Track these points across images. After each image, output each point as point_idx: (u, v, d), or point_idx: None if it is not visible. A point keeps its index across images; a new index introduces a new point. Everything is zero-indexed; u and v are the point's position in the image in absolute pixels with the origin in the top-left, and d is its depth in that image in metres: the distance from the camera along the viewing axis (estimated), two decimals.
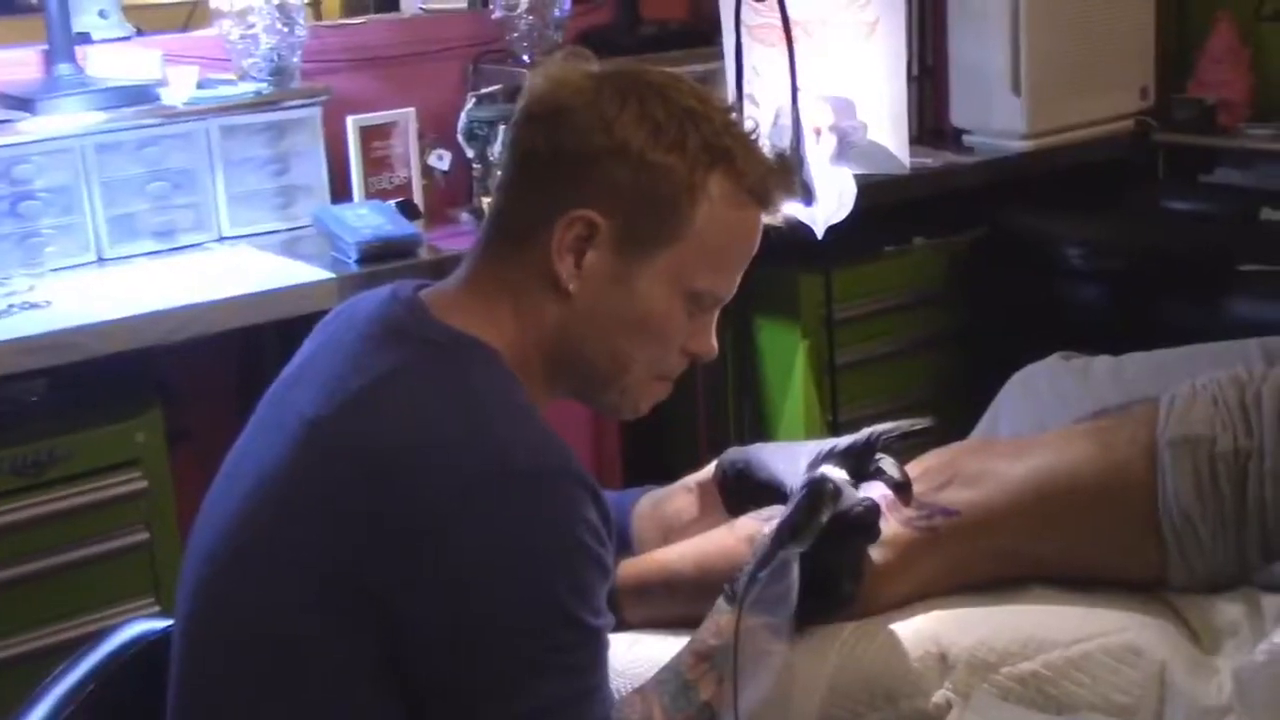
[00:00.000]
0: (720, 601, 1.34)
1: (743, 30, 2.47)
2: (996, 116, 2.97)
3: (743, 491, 1.53)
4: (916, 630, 1.46)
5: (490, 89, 2.72)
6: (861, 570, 1.44)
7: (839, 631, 1.48)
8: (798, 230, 2.42)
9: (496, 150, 2.70)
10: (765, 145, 1.29)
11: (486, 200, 2.63)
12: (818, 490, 1.35)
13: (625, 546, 1.56)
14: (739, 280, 1.30)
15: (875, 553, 1.48)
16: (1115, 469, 1.51)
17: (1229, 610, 1.46)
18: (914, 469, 1.56)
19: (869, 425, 1.50)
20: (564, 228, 1.21)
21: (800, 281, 2.66)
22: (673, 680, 1.29)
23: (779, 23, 2.30)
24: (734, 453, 1.56)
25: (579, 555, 1.13)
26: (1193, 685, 1.38)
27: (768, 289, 2.67)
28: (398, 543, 1.09)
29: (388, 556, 1.09)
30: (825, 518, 1.34)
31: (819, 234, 2.41)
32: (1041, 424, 1.74)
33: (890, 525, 1.51)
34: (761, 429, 2.72)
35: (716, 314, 1.31)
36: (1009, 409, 1.89)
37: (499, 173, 1.31)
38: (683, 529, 1.56)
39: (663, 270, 1.24)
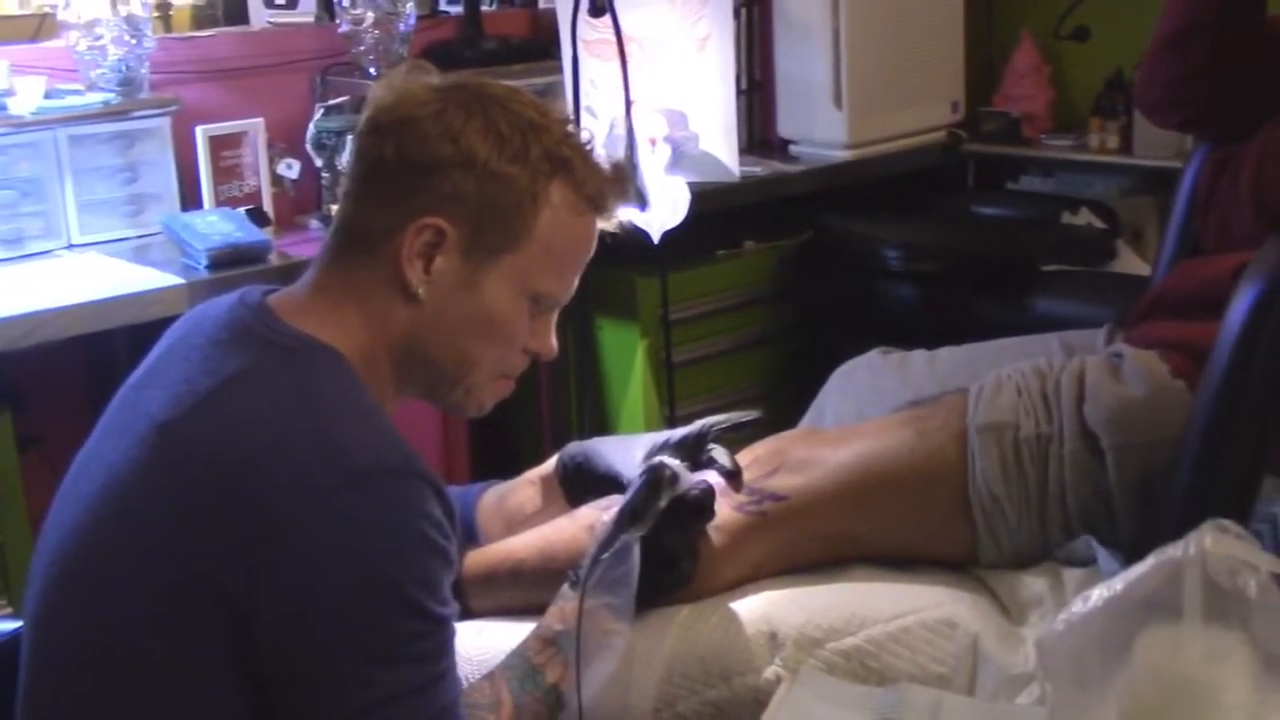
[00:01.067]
0: (564, 588, 1.35)
1: (580, 45, 2.47)
2: (820, 128, 2.99)
3: (583, 483, 1.54)
4: (748, 610, 1.47)
5: (337, 100, 2.67)
6: (698, 551, 1.45)
7: (676, 613, 1.48)
8: (635, 235, 2.44)
9: (344, 159, 2.66)
10: (601, 155, 1.30)
11: (335, 208, 2.59)
12: (656, 476, 1.38)
13: (471, 539, 1.56)
14: (577, 282, 1.31)
15: (709, 537, 1.49)
16: (929, 454, 1.54)
17: (1034, 584, 1.50)
18: (744, 457, 1.58)
19: (703, 418, 1.52)
20: (414, 234, 1.21)
21: (638, 284, 2.65)
22: (520, 665, 1.30)
23: (614, 39, 2.30)
24: (574, 447, 1.56)
25: (423, 548, 1.13)
26: (1002, 654, 1.41)
27: (607, 291, 2.67)
28: (246, 544, 1.08)
29: (236, 558, 1.07)
30: (664, 502, 1.36)
31: (655, 239, 2.42)
32: (862, 414, 1.76)
33: (722, 511, 1.52)
34: (602, 424, 2.72)
35: (556, 314, 1.32)
36: (832, 401, 1.90)
37: (346, 180, 1.30)
38: (526, 520, 1.56)
39: (507, 274, 1.24)
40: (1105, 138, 3.14)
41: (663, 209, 2.41)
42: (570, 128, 1.28)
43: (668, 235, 2.43)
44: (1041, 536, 1.52)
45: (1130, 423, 1.50)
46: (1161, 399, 1.51)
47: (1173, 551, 0.90)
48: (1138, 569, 0.92)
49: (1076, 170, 3.24)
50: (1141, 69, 1.89)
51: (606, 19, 2.33)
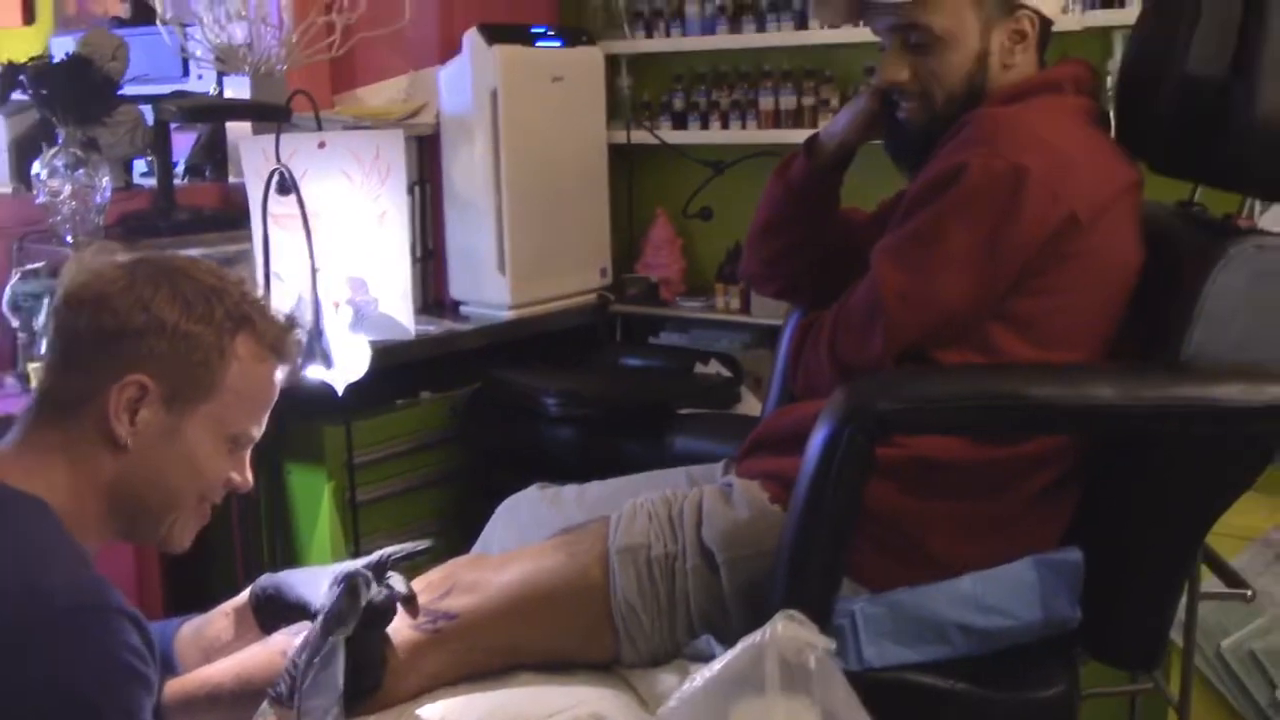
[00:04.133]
0: (264, 705, 1.40)
1: (270, 219, 2.54)
2: (486, 290, 3.08)
3: (274, 612, 1.59)
4: (427, 716, 1.54)
5: (34, 265, 2.63)
6: (386, 659, 1.53)
7: None
8: (322, 389, 2.50)
9: (40, 321, 2.63)
10: (275, 309, 1.41)
11: (32, 365, 2.55)
12: (353, 582, 1.45)
13: (170, 669, 1.58)
14: (267, 420, 1.40)
15: (394, 651, 1.56)
16: (578, 573, 1.64)
17: (667, 679, 1.59)
18: (419, 582, 1.65)
19: (382, 549, 1.61)
20: (118, 392, 1.28)
21: (325, 432, 2.69)
22: None
23: (300, 214, 2.38)
24: (265, 579, 1.61)
25: (125, 677, 1.17)
26: None
27: (297, 439, 2.70)
28: None
29: None
30: (364, 602, 1.44)
31: (339, 391, 2.48)
32: (524, 541, 1.83)
33: (402, 630, 1.60)
34: (292, 559, 2.72)
35: (250, 449, 1.40)
36: (498, 531, 1.97)
37: (46, 352, 1.35)
38: (222, 649, 1.60)
39: (205, 420, 1.33)
40: (728, 300, 3.29)
41: (346, 364, 2.48)
42: (246, 288, 1.38)
43: (351, 387, 2.49)
44: (671, 638, 1.63)
45: (737, 540, 1.63)
46: (762, 520, 1.65)
47: (754, 637, 1.06)
48: (730, 653, 1.08)
49: (706, 327, 3.35)
50: (744, 250, 2.08)
51: (292, 197, 2.41)
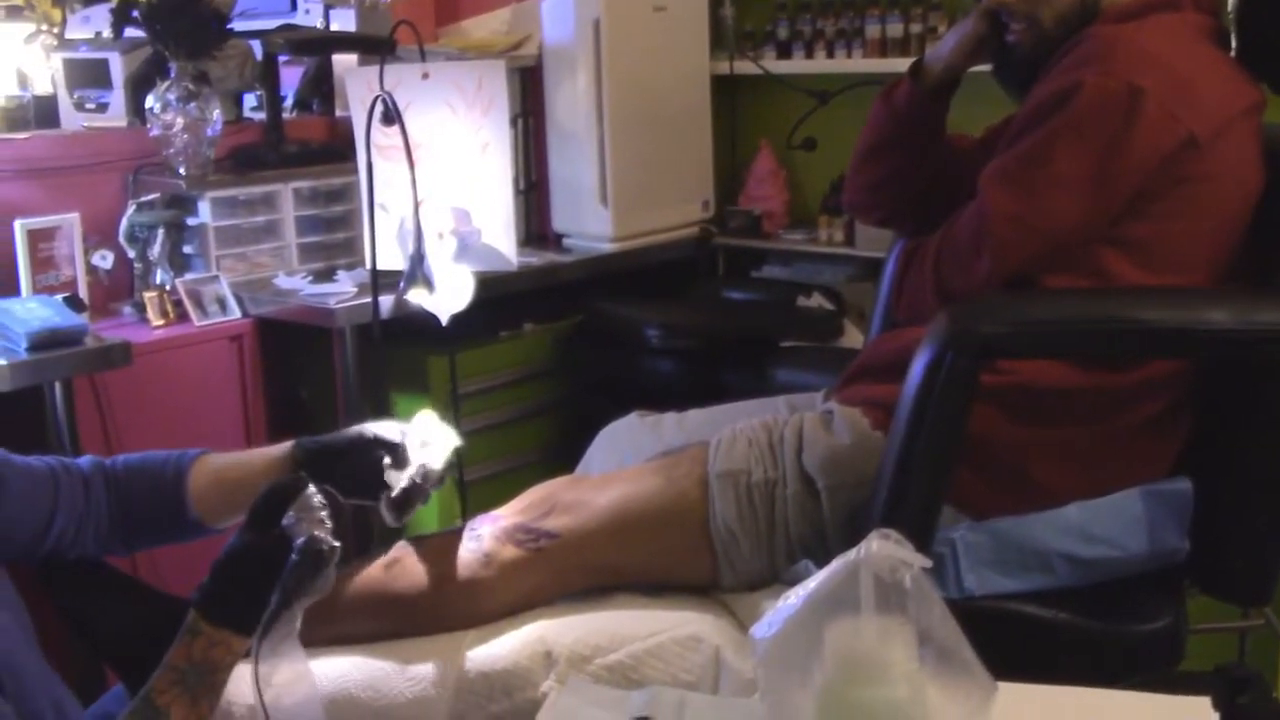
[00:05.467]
0: (189, 619, 1.27)
1: (374, 150, 2.56)
2: (588, 223, 3.07)
3: (319, 471, 1.45)
4: (526, 633, 1.55)
5: (149, 197, 2.71)
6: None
7: (463, 637, 1.56)
8: (427, 318, 2.53)
9: (157, 250, 2.70)
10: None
11: (148, 295, 2.63)
12: (316, 548, 1.31)
13: (179, 506, 1.51)
14: None
15: (491, 569, 1.58)
16: (676, 496, 1.63)
17: (765, 604, 1.54)
18: (520, 502, 1.67)
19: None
20: None
21: (430, 362, 2.71)
22: (142, 708, 1.23)
23: (403, 145, 2.39)
24: (309, 439, 1.54)
25: None
26: (739, 662, 1.52)
27: (403, 368, 2.72)
28: None
29: None
30: (322, 579, 1.32)
31: (444, 321, 2.51)
32: (623, 465, 1.84)
33: (506, 548, 1.62)
34: None
35: None
36: (598, 456, 1.98)
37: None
38: (246, 500, 1.47)
39: None
40: (832, 233, 3.26)
41: (449, 294, 2.49)
42: None
43: (455, 318, 2.51)
44: (770, 563, 1.62)
45: (838, 467, 1.62)
46: (863, 446, 1.62)
47: (849, 556, 1.05)
48: (824, 572, 1.07)
49: (809, 260, 3.33)
50: (846, 177, 2.05)
51: (396, 127, 2.42)
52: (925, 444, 1.50)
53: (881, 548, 1.03)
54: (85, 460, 1.53)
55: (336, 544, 1.33)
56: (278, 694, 1.29)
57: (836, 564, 1.06)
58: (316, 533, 1.33)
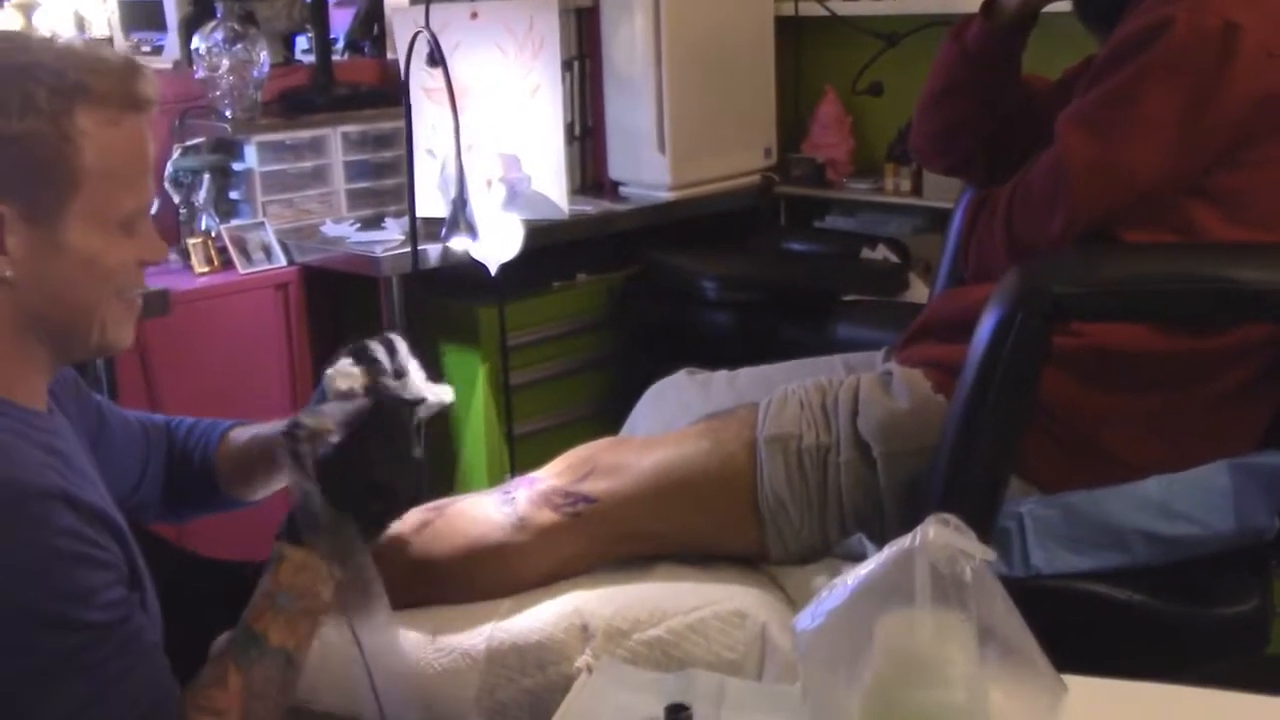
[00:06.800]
0: (277, 547, 1.26)
1: (421, 93, 2.47)
2: (646, 171, 2.99)
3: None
4: (562, 604, 1.48)
5: (194, 141, 2.64)
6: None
7: (497, 606, 1.49)
8: (475, 267, 2.45)
9: (203, 196, 2.63)
10: (103, 48, 1.19)
11: (192, 241, 2.56)
12: (307, 494, 1.27)
13: (208, 477, 1.50)
14: (152, 181, 1.22)
15: (525, 534, 1.51)
16: (722, 461, 1.55)
17: (816, 578, 1.50)
18: (559, 464, 1.60)
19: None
20: None
21: (479, 313, 2.64)
22: (241, 634, 1.22)
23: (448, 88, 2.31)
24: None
25: (59, 563, 1.06)
26: (787, 641, 1.43)
27: (451, 318, 2.66)
28: None
29: None
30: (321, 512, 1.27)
31: (493, 271, 2.43)
32: (669, 426, 1.76)
33: (541, 512, 1.54)
34: (445, 442, 2.70)
35: (150, 219, 1.23)
36: (644, 415, 1.90)
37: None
38: (255, 475, 1.51)
39: (82, 218, 1.14)
40: (898, 182, 3.18)
41: (498, 243, 2.41)
42: (61, 45, 1.15)
43: (504, 268, 2.43)
44: (822, 535, 1.54)
45: (897, 433, 1.53)
46: (923, 411, 1.53)
47: (902, 543, 0.94)
48: (875, 560, 0.96)
49: (874, 210, 3.25)
50: (913, 122, 1.95)
51: (442, 70, 2.33)
52: (991, 410, 1.40)
53: (939, 535, 0.91)
54: (160, 418, 1.53)
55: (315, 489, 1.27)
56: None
57: (888, 551, 0.94)
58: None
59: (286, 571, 1.24)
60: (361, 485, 1.28)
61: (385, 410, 1.32)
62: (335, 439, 1.28)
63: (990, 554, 0.91)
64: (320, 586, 1.26)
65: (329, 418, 1.29)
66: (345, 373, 1.37)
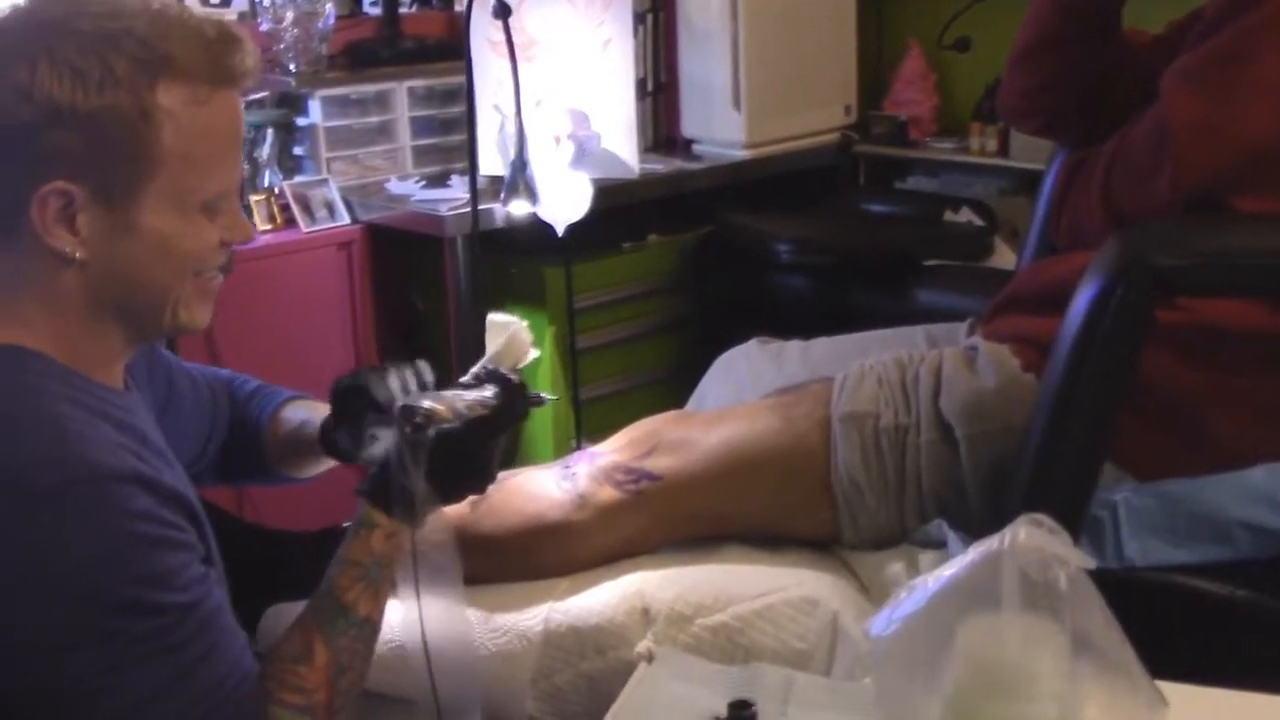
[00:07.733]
0: (364, 513, 1.22)
1: (488, 46, 2.41)
2: (720, 128, 2.94)
3: (349, 408, 1.38)
4: (623, 586, 1.44)
5: (258, 95, 2.60)
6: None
7: (554, 586, 1.45)
8: (541, 227, 2.39)
9: (265, 152, 2.60)
10: (199, 17, 1.11)
11: (255, 198, 2.52)
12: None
13: (257, 451, 1.47)
14: (241, 160, 1.16)
15: (586, 512, 1.46)
16: (794, 439, 1.49)
17: (892, 566, 1.45)
18: (621, 438, 1.55)
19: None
20: (39, 208, 1.06)
21: (545, 273, 2.60)
22: (329, 605, 1.19)
23: (517, 40, 2.24)
24: (349, 377, 1.41)
25: (135, 547, 1.04)
26: (859, 630, 1.36)
27: (516, 279, 2.61)
28: None
29: None
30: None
31: (560, 231, 2.37)
32: (738, 398, 1.70)
33: (603, 489, 1.48)
34: None
35: (236, 198, 1.17)
36: (713, 387, 1.85)
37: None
38: (300, 456, 1.48)
39: (159, 199, 1.09)
40: (985, 141, 3.12)
41: (565, 203, 2.36)
42: (153, 13, 1.08)
43: (572, 228, 2.38)
44: (898, 520, 1.48)
45: (981, 413, 1.46)
46: (1011, 390, 1.47)
47: (989, 545, 0.86)
48: (959, 561, 0.88)
49: (959, 171, 3.22)
50: (1003, 78, 1.86)
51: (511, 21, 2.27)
52: (1086, 390, 1.33)
53: (1030, 537, 0.84)
54: (225, 374, 1.51)
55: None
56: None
57: (974, 553, 0.87)
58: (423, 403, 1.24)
59: (379, 539, 1.21)
60: (467, 475, 1.26)
61: (513, 412, 1.28)
62: (450, 426, 1.23)
63: (1089, 562, 0.83)
64: (403, 557, 1.25)
65: (448, 406, 1.25)
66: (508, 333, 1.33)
